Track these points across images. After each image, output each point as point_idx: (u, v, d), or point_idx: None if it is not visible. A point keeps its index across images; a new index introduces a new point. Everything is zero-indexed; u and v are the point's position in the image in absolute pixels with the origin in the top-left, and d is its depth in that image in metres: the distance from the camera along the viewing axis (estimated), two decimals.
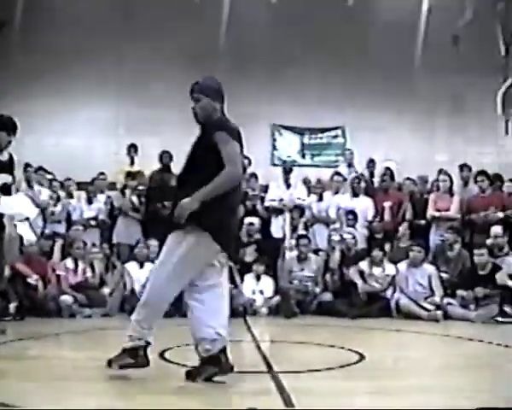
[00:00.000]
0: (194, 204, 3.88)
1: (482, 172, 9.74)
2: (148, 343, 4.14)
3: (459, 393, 3.78)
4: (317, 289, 9.03)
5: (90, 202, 10.22)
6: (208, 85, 4.41)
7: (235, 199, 4.17)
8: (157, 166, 11.05)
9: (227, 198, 3.97)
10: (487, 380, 4.28)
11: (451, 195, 9.59)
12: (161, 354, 4.93)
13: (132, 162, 11.43)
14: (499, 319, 7.87)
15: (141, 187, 10.22)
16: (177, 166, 11.04)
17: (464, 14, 14.22)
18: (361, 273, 8.92)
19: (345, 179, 10.61)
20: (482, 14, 14.00)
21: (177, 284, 4.14)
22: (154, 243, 9.31)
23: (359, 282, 8.83)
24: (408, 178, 10.75)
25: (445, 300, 8.38)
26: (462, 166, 10.30)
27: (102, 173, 10.82)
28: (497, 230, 8.83)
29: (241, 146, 4.27)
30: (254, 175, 10.84)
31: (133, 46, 13.44)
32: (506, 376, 4.53)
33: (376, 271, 8.90)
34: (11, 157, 6.22)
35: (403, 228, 9.47)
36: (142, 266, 9.07)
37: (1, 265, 6.41)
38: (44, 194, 9.75)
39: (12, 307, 7.76)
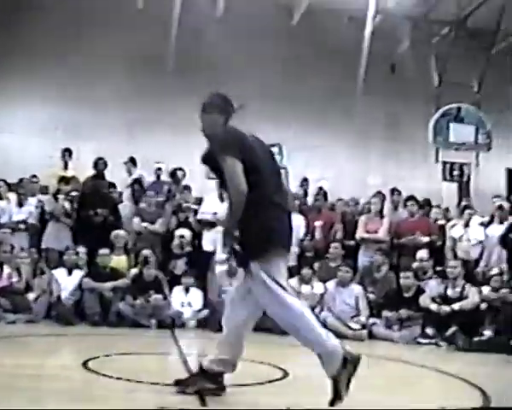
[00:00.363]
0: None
1: (412, 197, 10.07)
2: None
3: None
4: None
5: (20, 204, 10.00)
6: (209, 102, 4.44)
7: (272, 202, 3.89)
8: (91, 172, 10.95)
9: (257, 212, 3.78)
10: (407, 398, 4.40)
11: (381, 217, 9.84)
12: (85, 364, 4.86)
13: (66, 167, 11.26)
14: (421, 340, 8.11)
15: (74, 193, 10.08)
16: (112, 173, 11.04)
17: (402, 43, 14.69)
18: None
19: None
20: (418, 46, 14.48)
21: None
22: (82, 249, 9.23)
23: None
24: (340, 199, 10.97)
25: (371, 320, 8.58)
26: (393, 190, 10.62)
27: (35, 176, 10.64)
28: (422, 254, 9.14)
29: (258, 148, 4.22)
30: (188, 187, 10.87)
31: (77, 49, 13.24)
32: (425, 394, 4.67)
33: (305, 289, 9.01)
34: None
35: (334, 248, 9.63)
36: (70, 272, 8.94)
37: None
38: None
39: None
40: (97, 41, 13.35)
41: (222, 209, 10.02)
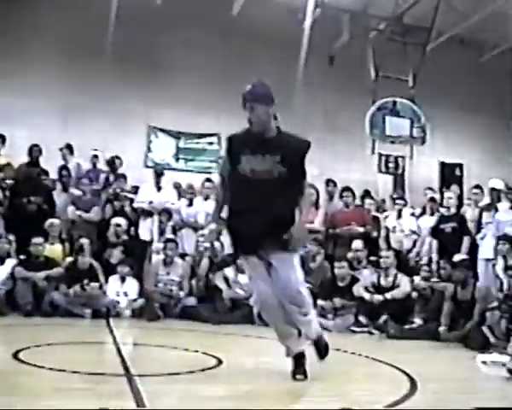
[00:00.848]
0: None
1: (348, 189, 10.23)
2: None
3: (309, 397, 3.96)
4: (182, 294, 9.06)
5: None
6: (261, 93, 4.53)
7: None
8: (25, 159, 10.71)
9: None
10: (337, 385, 4.49)
11: (317, 208, 9.98)
12: (15, 355, 4.78)
13: None
14: (354, 328, 8.29)
15: (7, 181, 9.85)
16: (46, 160, 10.81)
17: (340, 37, 14.87)
18: (226, 280, 9.06)
19: (215, 187, 10.75)
20: (356, 40, 14.69)
21: None
22: (13, 237, 9.04)
23: (224, 288, 8.97)
24: None
25: None
26: (328, 181, 10.75)
27: None
28: (357, 244, 9.31)
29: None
30: (123, 176, 10.78)
31: (6, 32, 12.87)
32: (355, 382, 4.78)
33: (241, 278, 9.06)
34: None
35: None
36: (2, 262, 8.72)
37: None
38: None
39: None
40: (29, 25, 12.98)
41: (158, 198, 10.01)
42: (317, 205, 10.00)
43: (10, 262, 8.74)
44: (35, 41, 13.10)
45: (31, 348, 5.20)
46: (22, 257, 8.80)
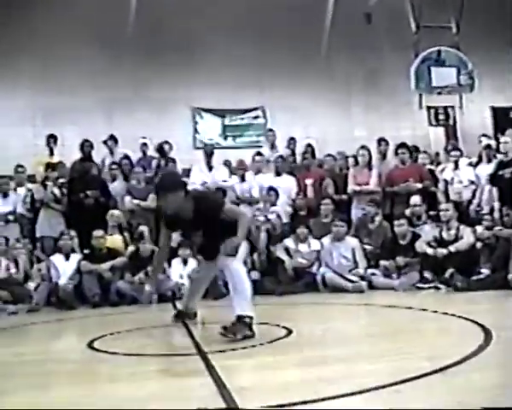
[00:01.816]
0: None
1: (403, 145, 10.02)
2: None
3: (382, 357, 3.93)
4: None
5: (4, 195, 9.97)
6: (168, 183, 5.29)
7: None
8: (77, 155, 10.89)
9: None
10: (410, 343, 4.45)
11: (370, 169, 9.86)
12: (90, 344, 4.89)
13: (52, 153, 11.19)
14: (420, 285, 8.18)
15: (62, 179, 10.04)
16: (97, 155, 11.00)
17: None
18: (287, 250, 9.07)
19: (267, 161, 10.76)
20: None
21: None
22: (74, 233, 9.23)
23: (286, 259, 8.98)
24: (328, 155, 10.97)
25: (369, 271, 8.66)
26: (380, 141, 10.60)
27: (21, 166, 10.58)
28: (415, 199, 9.15)
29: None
30: (173, 160, 10.85)
31: (45, 34, 13.05)
32: (427, 338, 4.73)
33: (302, 247, 9.07)
34: None
35: (324, 204, 9.64)
36: (67, 258, 8.94)
37: None
38: None
39: None
40: (63, 23, 13.12)
41: (210, 178, 10.05)
42: (369, 166, 9.89)
43: (75, 257, 8.96)
44: (71, 41, 13.22)
45: (103, 337, 5.31)
46: (86, 251, 8.99)
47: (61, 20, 13.14)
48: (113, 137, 11.28)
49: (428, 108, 14.49)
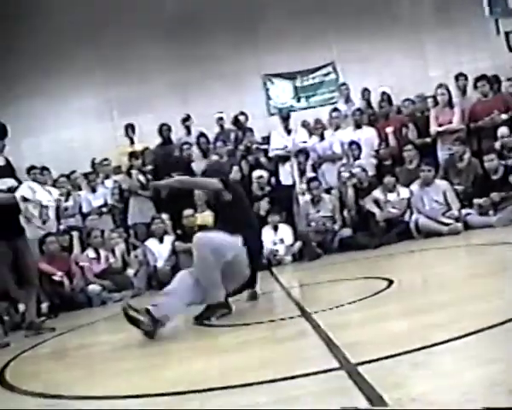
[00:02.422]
0: None
1: (482, 77, 9.63)
2: None
3: (488, 297, 3.82)
4: (336, 227, 9.10)
5: (93, 190, 10.32)
6: None
7: None
8: (155, 141, 11.09)
9: None
10: None
11: (451, 107, 9.54)
12: (196, 320, 4.99)
13: (132, 142, 11.44)
14: None
15: (147, 166, 10.28)
16: (176, 137, 11.17)
17: None
18: (376, 202, 8.96)
19: (344, 115, 10.62)
20: None
21: None
22: (165, 216, 9.43)
23: (376, 211, 8.88)
24: (406, 99, 10.69)
25: (463, 211, 8.42)
26: (458, 76, 10.23)
27: (106, 159, 10.93)
28: (503, 131, 8.81)
29: None
30: (250, 129, 10.89)
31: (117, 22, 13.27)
32: None
33: (391, 197, 8.94)
34: (8, 161, 6.21)
35: (407, 150, 9.43)
36: (161, 240, 9.17)
37: (33, 265, 6.48)
38: (55, 193, 9.76)
39: (44, 306, 7.90)
40: (132, 14, 13.32)
41: (290, 141, 10.02)
42: (450, 104, 9.57)
43: (169, 239, 9.18)
44: (136, 29, 13.36)
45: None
46: (178, 232, 9.19)
47: (126, 11, 13.31)
48: (188, 117, 11.41)
49: (506, 33, 13.81)
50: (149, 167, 10.26)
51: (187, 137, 11.13)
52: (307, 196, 9.37)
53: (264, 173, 9.75)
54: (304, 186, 9.57)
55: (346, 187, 9.36)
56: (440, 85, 9.84)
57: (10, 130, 6.20)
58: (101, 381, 3.59)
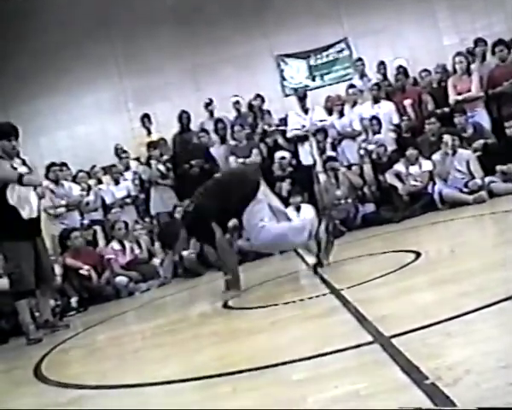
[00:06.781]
0: None
1: (500, 42, 9.46)
2: None
3: None
4: (359, 204, 9.05)
5: (116, 182, 10.38)
6: None
7: None
8: (172, 130, 11.09)
9: None
10: None
11: (469, 74, 9.40)
12: (225, 304, 5.01)
13: (149, 132, 11.46)
14: None
15: (165, 156, 10.30)
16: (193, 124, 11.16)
17: None
18: (398, 176, 8.89)
19: (360, 90, 10.53)
20: None
21: None
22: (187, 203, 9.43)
23: (399, 184, 8.81)
24: (424, 70, 10.57)
25: (487, 179, 8.32)
26: (477, 42, 10.08)
27: (125, 151, 10.96)
28: None
29: None
30: (268, 112, 10.84)
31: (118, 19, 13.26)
32: None
33: (413, 169, 8.87)
34: (24, 161, 6.24)
35: (428, 123, 9.32)
36: None
37: (49, 264, 6.54)
38: (76, 189, 9.86)
39: (73, 301, 8.00)
40: (139, 1, 13.30)
41: (308, 121, 9.96)
42: (468, 72, 9.42)
43: None
44: (148, 17, 13.34)
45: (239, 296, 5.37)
46: None
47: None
48: (211, 101, 11.36)
49: None
50: (166, 157, 10.27)
51: (209, 121, 11.10)
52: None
53: (287, 154, 9.72)
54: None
55: (366, 163, 9.31)
56: (458, 53, 9.70)
57: (28, 128, 6.23)
58: (134, 369, 3.63)
